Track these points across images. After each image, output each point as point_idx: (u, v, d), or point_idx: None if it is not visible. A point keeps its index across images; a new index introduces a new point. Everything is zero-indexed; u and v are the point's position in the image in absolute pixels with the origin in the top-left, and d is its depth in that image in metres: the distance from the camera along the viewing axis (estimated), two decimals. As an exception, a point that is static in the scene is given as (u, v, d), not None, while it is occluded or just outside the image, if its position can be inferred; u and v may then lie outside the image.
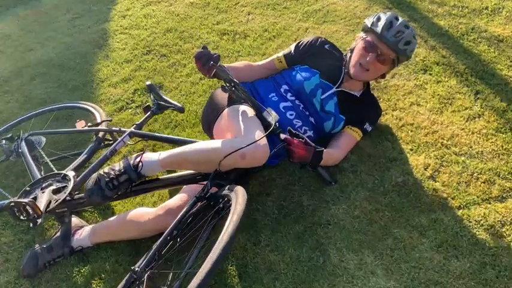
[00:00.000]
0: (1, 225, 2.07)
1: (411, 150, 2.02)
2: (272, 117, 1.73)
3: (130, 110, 2.69)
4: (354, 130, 2.02)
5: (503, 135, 2.01)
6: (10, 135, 2.31)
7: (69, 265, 1.83)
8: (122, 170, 1.65)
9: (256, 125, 1.72)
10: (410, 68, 2.47)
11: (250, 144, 1.56)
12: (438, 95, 2.28)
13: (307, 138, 1.70)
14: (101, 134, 2.17)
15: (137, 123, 2.17)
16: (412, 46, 1.90)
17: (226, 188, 1.54)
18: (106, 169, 1.67)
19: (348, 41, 2.77)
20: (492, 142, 1.99)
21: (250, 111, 1.79)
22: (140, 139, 2.17)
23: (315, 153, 1.70)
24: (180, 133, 2.41)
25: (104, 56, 3.27)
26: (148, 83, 2.29)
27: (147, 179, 1.74)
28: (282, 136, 1.71)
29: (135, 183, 1.68)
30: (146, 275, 1.39)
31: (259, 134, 1.63)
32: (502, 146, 1.96)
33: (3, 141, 2.22)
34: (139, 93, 2.83)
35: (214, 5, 3.63)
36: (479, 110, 2.15)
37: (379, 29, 1.85)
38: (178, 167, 1.80)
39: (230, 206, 1.40)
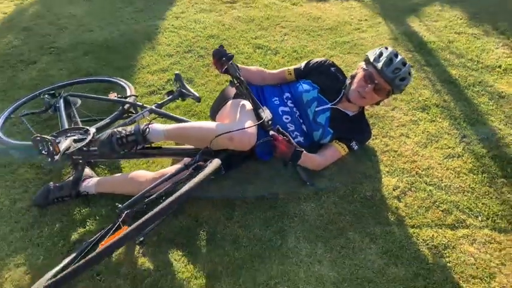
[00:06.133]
0: (28, 165, 2.43)
1: (387, 172, 2.24)
2: (265, 114, 2.02)
3: (159, 95, 3.05)
4: (340, 145, 2.27)
5: (474, 176, 2.20)
6: (53, 92, 2.70)
7: (72, 204, 2.15)
8: (132, 132, 1.95)
9: (249, 116, 2.01)
10: (411, 105, 2.70)
11: (239, 129, 1.85)
12: (428, 131, 2.49)
13: (291, 138, 1.97)
14: (126, 106, 2.53)
15: (158, 102, 2.51)
16: (406, 82, 2.14)
17: (209, 161, 1.83)
18: (119, 128, 1.98)
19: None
20: (462, 180, 2.18)
21: (249, 106, 2.09)
22: (157, 116, 2.50)
23: (295, 151, 1.97)
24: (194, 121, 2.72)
25: (151, 48, 3.68)
26: (176, 72, 2.64)
27: (152, 145, 2.04)
28: (271, 132, 1.99)
29: (141, 146, 1.99)
30: (125, 212, 1.68)
31: (249, 124, 1.92)
32: (469, 185, 2.15)
33: (46, 96, 2.61)
34: (171, 82, 3.19)
35: (258, 22, 4.00)
36: (460, 151, 2.35)
37: (380, 64, 2.10)
38: (179, 139, 2.11)
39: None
